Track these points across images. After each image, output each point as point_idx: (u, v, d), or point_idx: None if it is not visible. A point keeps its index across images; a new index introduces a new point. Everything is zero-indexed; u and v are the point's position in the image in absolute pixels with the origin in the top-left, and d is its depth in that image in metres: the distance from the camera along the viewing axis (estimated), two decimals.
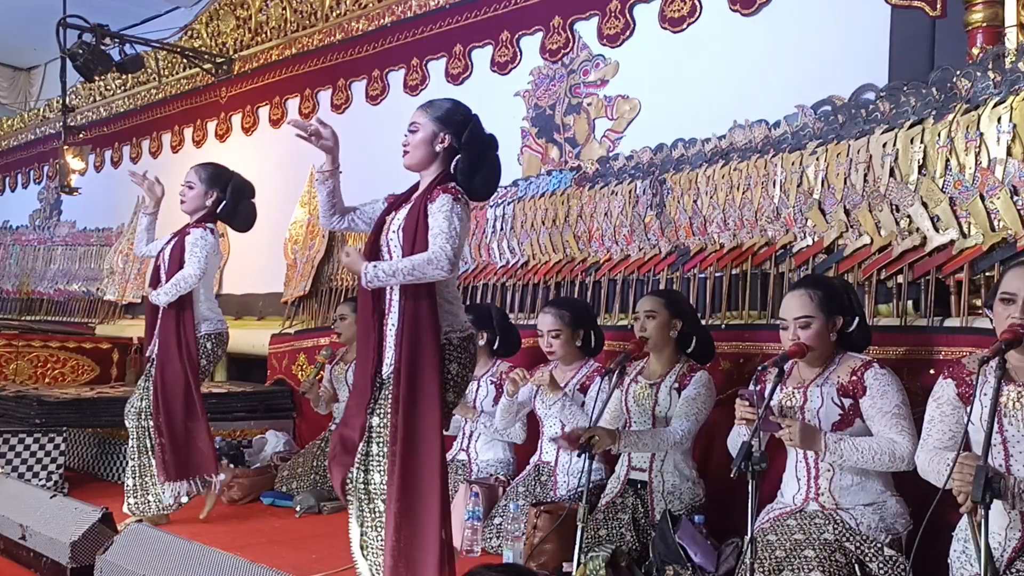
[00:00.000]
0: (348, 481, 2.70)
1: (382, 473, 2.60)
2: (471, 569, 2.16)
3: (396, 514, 2.54)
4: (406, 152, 2.75)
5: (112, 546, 2.86)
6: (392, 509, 2.54)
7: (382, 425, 2.63)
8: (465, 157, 2.69)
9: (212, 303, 4.02)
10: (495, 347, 4.06)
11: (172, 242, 3.98)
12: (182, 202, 4.00)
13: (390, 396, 2.62)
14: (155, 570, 2.62)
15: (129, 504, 3.84)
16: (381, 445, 2.62)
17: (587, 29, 4.90)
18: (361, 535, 2.66)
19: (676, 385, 3.28)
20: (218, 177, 4.01)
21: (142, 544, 2.78)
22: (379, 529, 2.61)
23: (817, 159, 3.59)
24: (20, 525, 3.23)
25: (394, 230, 2.71)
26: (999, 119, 3.04)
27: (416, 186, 2.81)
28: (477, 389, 4.03)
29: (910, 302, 3.29)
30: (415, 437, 2.58)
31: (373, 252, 2.76)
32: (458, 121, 2.71)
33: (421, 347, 2.61)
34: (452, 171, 2.70)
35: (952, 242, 3.13)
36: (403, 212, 2.73)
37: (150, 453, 3.85)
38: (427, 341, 2.61)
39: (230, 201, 3.99)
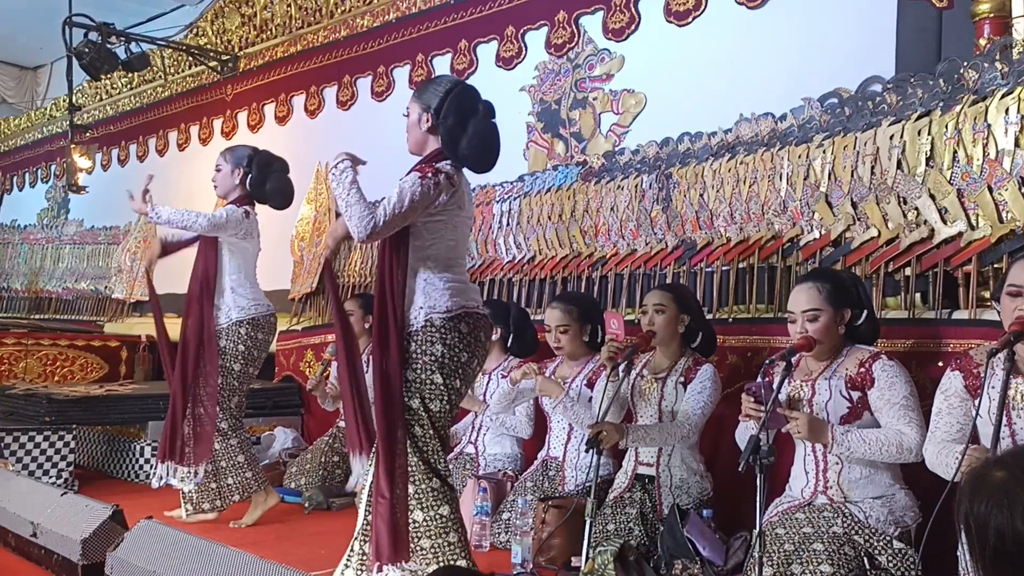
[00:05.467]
0: None
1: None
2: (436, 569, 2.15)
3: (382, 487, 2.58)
4: (407, 139, 2.80)
5: (123, 543, 2.87)
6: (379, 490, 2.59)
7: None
8: (444, 129, 2.70)
9: (245, 288, 3.93)
10: (508, 344, 4.06)
11: None
12: (215, 187, 4.01)
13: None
14: (165, 566, 2.63)
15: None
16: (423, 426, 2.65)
17: (592, 23, 4.89)
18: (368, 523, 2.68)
19: (682, 379, 3.28)
20: (242, 154, 3.99)
21: (152, 541, 2.79)
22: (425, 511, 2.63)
23: (824, 152, 3.58)
24: (31, 522, 3.24)
25: None
26: (1007, 110, 3.03)
27: None
28: (488, 383, 4.04)
29: (918, 295, 3.28)
30: (388, 415, 2.60)
31: None
32: (434, 97, 2.72)
33: (383, 326, 2.65)
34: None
35: (960, 234, 3.12)
36: None
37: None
38: (389, 320, 2.64)
39: (257, 174, 3.94)
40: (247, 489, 3.90)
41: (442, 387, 2.64)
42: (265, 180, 3.96)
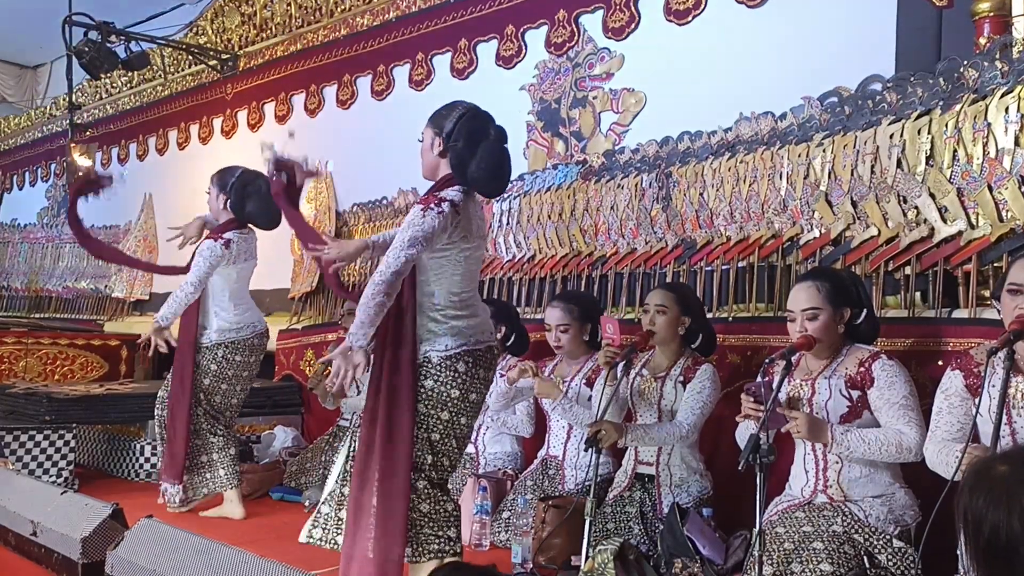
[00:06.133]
0: None
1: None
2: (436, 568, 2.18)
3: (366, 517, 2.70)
4: (422, 164, 2.85)
5: (123, 541, 2.87)
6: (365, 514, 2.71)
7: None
8: (453, 153, 2.71)
9: (228, 311, 4.05)
10: (509, 343, 4.06)
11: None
12: (210, 211, 4.14)
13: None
14: (165, 565, 2.63)
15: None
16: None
17: (592, 22, 4.89)
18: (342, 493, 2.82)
19: (681, 378, 3.28)
20: (224, 178, 4.05)
21: (152, 539, 2.79)
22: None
23: (824, 151, 3.58)
24: (31, 521, 3.24)
25: None
26: (1007, 109, 3.03)
27: None
28: None
29: (918, 293, 3.28)
30: (384, 448, 2.70)
31: None
32: (445, 122, 2.74)
33: (396, 363, 2.72)
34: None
35: (960, 233, 3.12)
36: None
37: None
38: (403, 357, 2.71)
39: (234, 199, 4.01)
40: (219, 486, 4.02)
41: (422, 415, 2.73)
42: (244, 204, 4.02)
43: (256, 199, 4.00)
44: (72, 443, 4.60)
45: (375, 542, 2.65)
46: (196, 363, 3.98)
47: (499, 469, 3.93)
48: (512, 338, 4.05)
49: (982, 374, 2.30)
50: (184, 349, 4.00)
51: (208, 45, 7.55)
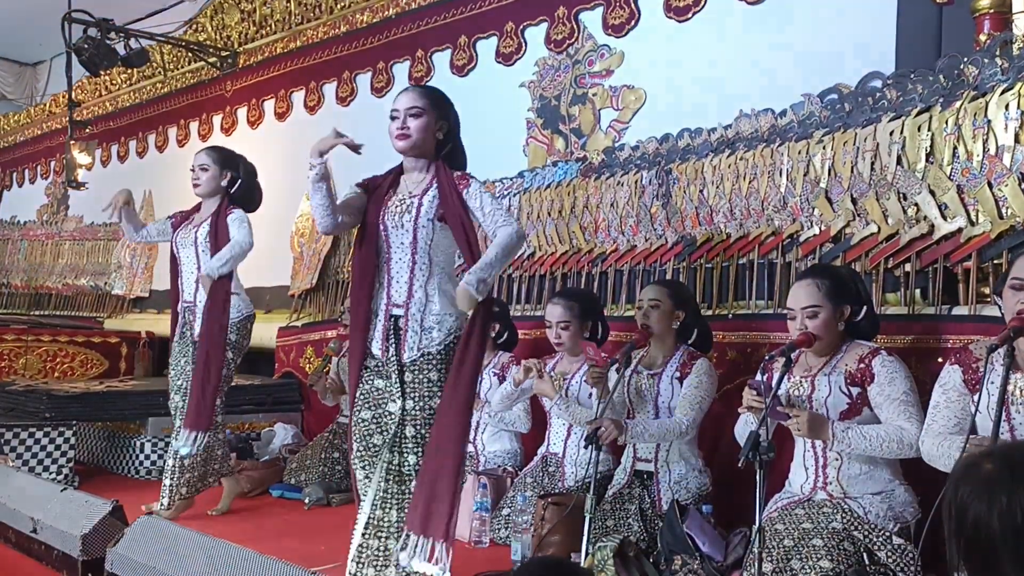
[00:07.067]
0: (367, 466, 2.75)
1: (418, 455, 2.68)
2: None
3: (427, 485, 2.61)
4: (405, 135, 2.77)
5: (123, 538, 2.87)
6: (425, 481, 2.63)
7: (417, 408, 2.70)
8: (455, 150, 2.84)
9: (240, 286, 4.12)
10: (501, 340, 4.09)
11: (202, 227, 3.97)
12: (196, 186, 4.03)
13: (424, 380, 2.70)
14: (165, 562, 2.64)
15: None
16: (417, 427, 2.70)
17: (592, 19, 4.88)
18: (380, 518, 2.72)
19: (677, 374, 3.28)
20: (230, 158, 4.10)
21: (152, 536, 2.79)
22: (405, 511, 2.68)
23: (824, 148, 3.57)
24: (31, 518, 3.24)
25: (428, 218, 2.73)
26: (1007, 106, 3.02)
27: (400, 169, 2.86)
28: (480, 381, 4.04)
29: (918, 290, 3.28)
30: (454, 417, 2.66)
31: (374, 235, 2.81)
32: (452, 111, 2.83)
33: (472, 332, 2.68)
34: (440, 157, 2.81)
35: (960, 230, 3.12)
36: (427, 198, 2.75)
37: None
38: (477, 325, 2.69)
39: (245, 181, 4.07)
40: (222, 475, 4.05)
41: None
42: (253, 192, 4.13)
43: (258, 186, 4.19)
44: (72, 440, 4.60)
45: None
46: (231, 343, 3.93)
47: (499, 467, 3.93)
48: (504, 335, 4.09)
49: (981, 370, 2.30)
50: (216, 328, 3.83)
51: (208, 42, 7.54)
